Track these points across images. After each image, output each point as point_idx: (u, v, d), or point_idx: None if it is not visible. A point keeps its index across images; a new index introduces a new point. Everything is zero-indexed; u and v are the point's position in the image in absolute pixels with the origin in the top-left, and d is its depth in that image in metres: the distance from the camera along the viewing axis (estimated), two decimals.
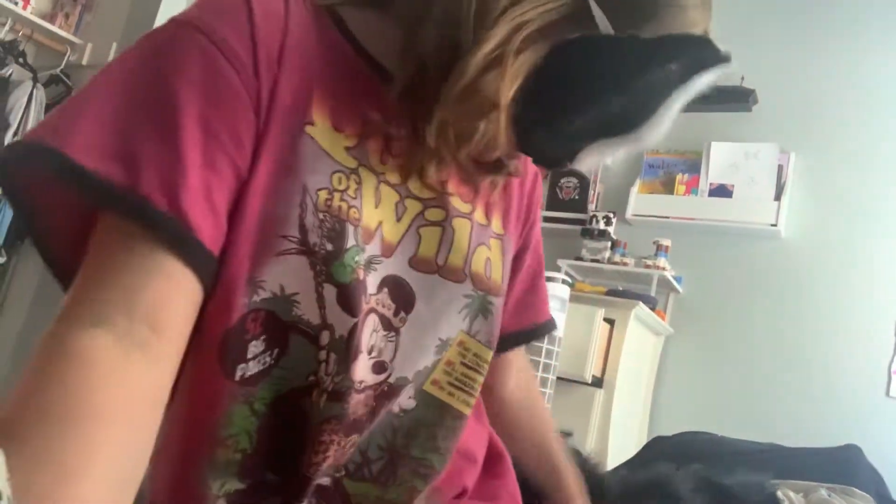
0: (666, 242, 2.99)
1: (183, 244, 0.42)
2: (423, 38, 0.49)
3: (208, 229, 0.44)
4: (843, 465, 2.01)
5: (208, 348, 0.48)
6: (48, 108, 2.98)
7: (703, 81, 0.50)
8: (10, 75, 2.95)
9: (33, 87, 2.92)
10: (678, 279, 3.03)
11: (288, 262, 0.48)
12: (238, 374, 0.49)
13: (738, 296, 2.96)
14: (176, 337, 0.42)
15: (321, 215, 0.48)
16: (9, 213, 2.86)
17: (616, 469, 1.30)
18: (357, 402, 0.52)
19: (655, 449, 1.69)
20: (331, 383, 0.50)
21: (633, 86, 0.50)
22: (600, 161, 0.57)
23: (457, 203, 0.58)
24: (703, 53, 0.50)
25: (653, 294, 2.87)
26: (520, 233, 0.69)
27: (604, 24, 0.48)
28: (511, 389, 0.77)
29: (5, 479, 0.30)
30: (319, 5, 0.53)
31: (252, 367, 0.49)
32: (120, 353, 0.38)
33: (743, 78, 2.82)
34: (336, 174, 0.50)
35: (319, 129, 0.50)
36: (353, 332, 0.50)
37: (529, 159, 0.65)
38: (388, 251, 0.53)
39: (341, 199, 0.49)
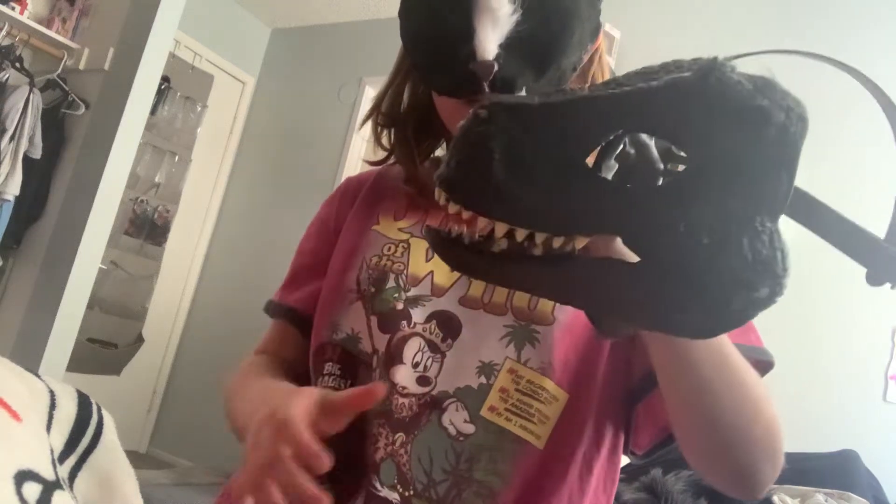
0: None
1: (285, 312, 0.80)
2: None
3: (298, 302, 0.79)
4: (840, 470, 2.00)
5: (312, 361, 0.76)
6: (45, 112, 2.98)
7: None
8: (7, 80, 2.96)
9: (30, 91, 2.92)
10: None
11: (353, 308, 0.71)
12: (319, 385, 0.73)
13: None
14: (287, 356, 0.79)
15: (370, 271, 0.71)
16: (4, 217, 2.86)
17: None
18: (400, 405, 0.65)
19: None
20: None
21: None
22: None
23: None
24: None
25: None
26: None
27: None
28: None
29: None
30: None
31: (328, 383, 0.71)
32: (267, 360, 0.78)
33: None
34: (386, 245, 0.73)
35: (382, 225, 0.75)
36: (388, 346, 0.68)
37: None
38: (439, 292, 0.70)
39: (387, 259, 0.72)
